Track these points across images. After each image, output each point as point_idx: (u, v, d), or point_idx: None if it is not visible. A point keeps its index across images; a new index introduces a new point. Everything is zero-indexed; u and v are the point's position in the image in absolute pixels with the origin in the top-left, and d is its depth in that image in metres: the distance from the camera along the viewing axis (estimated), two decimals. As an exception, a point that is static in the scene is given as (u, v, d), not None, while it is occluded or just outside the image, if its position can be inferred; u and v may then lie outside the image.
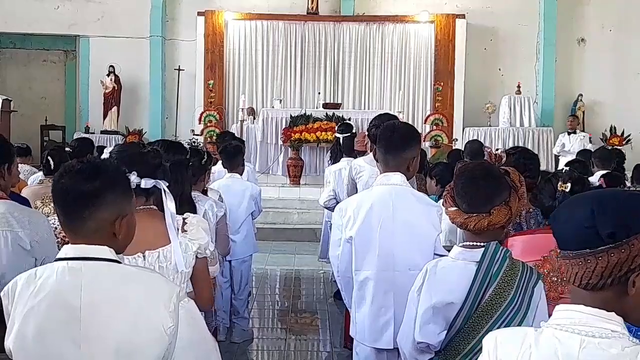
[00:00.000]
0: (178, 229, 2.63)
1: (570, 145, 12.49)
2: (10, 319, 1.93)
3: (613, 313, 1.52)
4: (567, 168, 5.02)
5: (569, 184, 3.12)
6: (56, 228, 3.45)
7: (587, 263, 1.52)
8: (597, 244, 1.51)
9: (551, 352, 1.52)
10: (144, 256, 2.57)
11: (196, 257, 2.67)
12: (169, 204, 2.57)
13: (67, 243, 2.01)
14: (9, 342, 1.92)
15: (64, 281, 1.90)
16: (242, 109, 13.54)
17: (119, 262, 2.00)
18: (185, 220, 2.70)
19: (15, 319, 1.92)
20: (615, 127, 14.19)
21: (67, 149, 6.08)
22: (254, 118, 13.97)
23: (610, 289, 1.52)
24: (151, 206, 2.71)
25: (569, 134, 12.73)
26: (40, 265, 2.75)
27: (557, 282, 3.01)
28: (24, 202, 3.70)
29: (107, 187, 1.96)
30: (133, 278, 1.98)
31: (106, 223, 1.96)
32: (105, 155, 2.70)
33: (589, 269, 1.52)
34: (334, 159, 7.20)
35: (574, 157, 11.57)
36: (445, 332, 2.52)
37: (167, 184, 2.67)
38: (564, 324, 1.54)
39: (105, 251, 1.96)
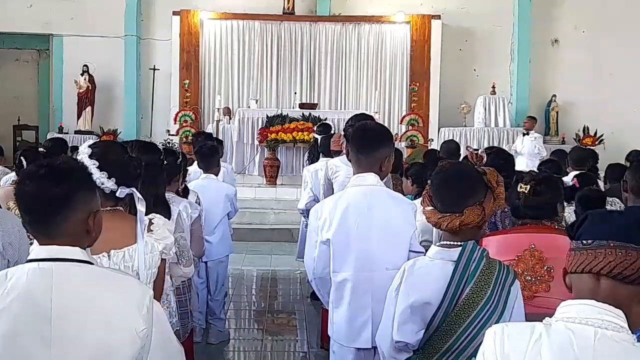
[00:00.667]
0: (144, 230, 2.63)
1: (522, 146, 12.56)
2: None
3: (620, 310, 1.59)
4: (541, 168, 5.07)
5: (528, 186, 3.17)
6: (29, 229, 3.40)
7: (628, 255, 1.60)
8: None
9: (566, 343, 1.56)
10: (109, 255, 2.56)
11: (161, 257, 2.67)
12: (141, 209, 2.56)
13: None
14: None
15: (35, 282, 1.88)
16: (218, 108, 13.50)
17: (91, 263, 1.99)
18: (152, 221, 2.70)
19: None
20: (588, 128, 14.37)
21: (40, 149, 6.00)
22: (230, 118, 13.92)
23: (634, 286, 1.61)
24: (118, 208, 2.70)
25: (523, 135, 12.82)
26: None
27: (531, 281, 3.03)
28: (-5, 203, 3.64)
29: (77, 188, 1.96)
30: (105, 279, 1.97)
31: (80, 222, 1.96)
32: (84, 149, 2.67)
33: (628, 260, 1.60)
34: (312, 160, 7.19)
35: (524, 158, 11.76)
36: (423, 331, 2.53)
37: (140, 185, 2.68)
38: (575, 317, 1.59)
39: (77, 252, 1.95)
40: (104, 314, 1.88)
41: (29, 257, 1.95)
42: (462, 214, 2.52)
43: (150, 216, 2.71)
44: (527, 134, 12.73)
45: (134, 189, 2.60)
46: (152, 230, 2.66)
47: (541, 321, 1.66)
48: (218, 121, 13.26)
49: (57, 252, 1.92)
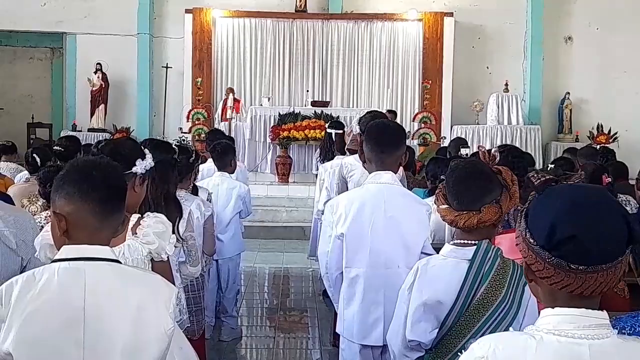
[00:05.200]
0: (128, 230, 2.63)
1: None
2: (7, 323, 1.88)
3: (604, 312, 1.52)
4: (553, 166, 5.05)
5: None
6: (42, 227, 3.41)
7: (616, 270, 1.50)
8: (624, 249, 1.50)
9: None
10: None
11: (152, 260, 2.65)
12: None
13: None
14: (7, 346, 1.87)
15: (67, 282, 1.88)
16: (231, 106, 13.51)
17: (119, 262, 2.00)
18: (140, 222, 2.65)
19: (14, 323, 1.87)
20: (602, 125, 14.26)
21: (56, 147, 6.01)
22: (238, 113, 13.93)
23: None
24: None
25: None
26: (27, 264, 2.73)
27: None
28: (7, 200, 3.65)
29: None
30: (135, 278, 1.99)
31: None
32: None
33: (617, 275, 1.50)
34: (325, 155, 7.14)
35: None
36: (437, 330, 2.52)
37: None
38: (564, 329, 1.50)
39: (107, 251, 1.96)
40: (135, 313, 1.90)
41: (56, 257, 1.95)
42: (480, 212, 2.51)
43: (144, 215, 2.70)
44: None
45: None
46: (136, 234, 2.63)
47: None
48: (230, 119, 13.28)
49: (88, 251, 1.93)
